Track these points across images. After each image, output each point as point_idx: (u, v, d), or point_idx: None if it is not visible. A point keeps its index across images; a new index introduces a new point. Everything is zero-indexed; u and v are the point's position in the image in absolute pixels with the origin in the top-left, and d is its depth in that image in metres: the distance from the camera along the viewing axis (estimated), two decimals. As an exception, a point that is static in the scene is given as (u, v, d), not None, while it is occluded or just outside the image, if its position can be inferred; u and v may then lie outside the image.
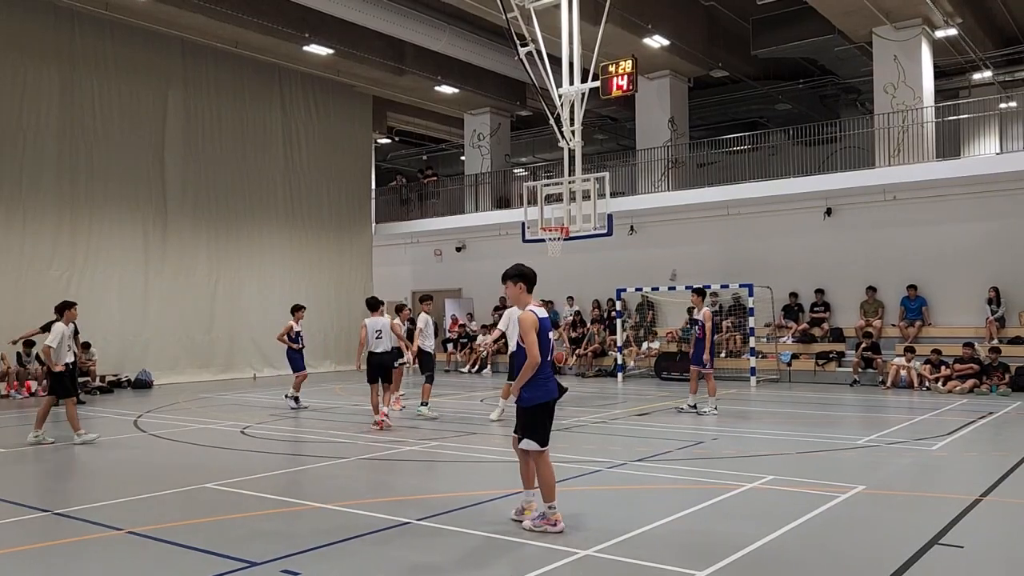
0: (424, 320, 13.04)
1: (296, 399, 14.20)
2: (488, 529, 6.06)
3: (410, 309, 15.32)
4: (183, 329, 20.58)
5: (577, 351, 21.53)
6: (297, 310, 14.82)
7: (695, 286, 14.55)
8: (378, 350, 11.97)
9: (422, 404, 12.87)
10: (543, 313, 6.16)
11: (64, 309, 10.80)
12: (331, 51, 21.30)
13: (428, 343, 13.03)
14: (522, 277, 6.22)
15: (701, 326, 13.03)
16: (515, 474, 7.73)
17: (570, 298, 23.11)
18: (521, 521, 6.14)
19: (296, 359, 14.54)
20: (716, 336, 20.27)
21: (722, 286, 19.96)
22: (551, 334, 6.21)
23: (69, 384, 10.68)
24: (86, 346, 17.34)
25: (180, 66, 20.72)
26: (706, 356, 12.93)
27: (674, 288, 20.56)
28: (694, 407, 13.03)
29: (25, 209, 17.87)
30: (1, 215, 17.52)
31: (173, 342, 20.32)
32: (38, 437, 10.63)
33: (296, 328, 14.52)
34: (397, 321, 12.99)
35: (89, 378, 17.50)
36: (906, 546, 5.53)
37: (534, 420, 6.07)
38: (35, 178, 18.05)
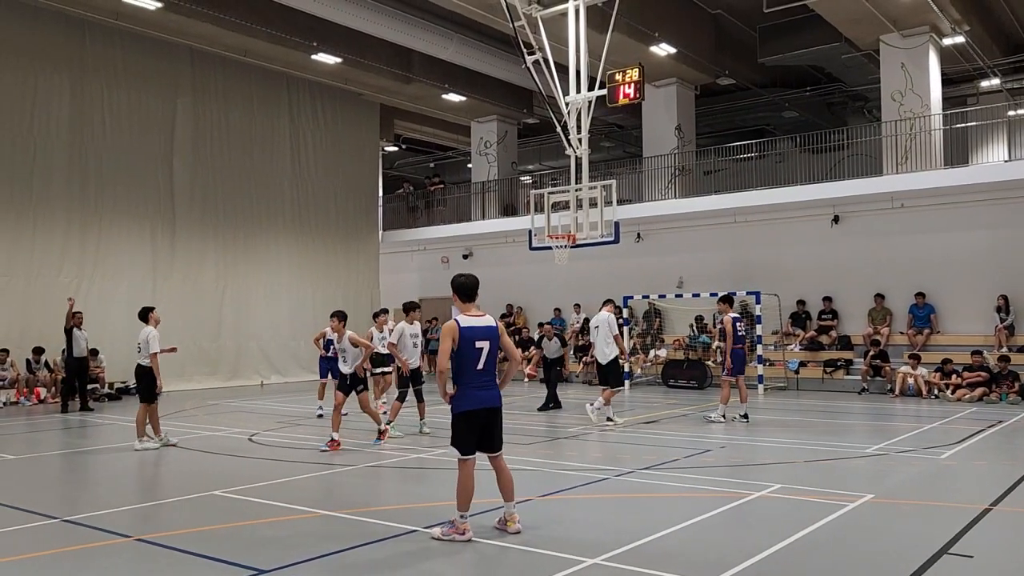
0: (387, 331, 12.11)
1: (325, 408, 14.16)
2: (496, 537, 6.06)
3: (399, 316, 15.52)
4: (191, 336, 20.60)
5: (584, 359, 21.50)
6: (332, 317, 14.71)
7: (721, 294, 14.56)
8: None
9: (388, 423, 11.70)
10: (468, 322, 6.13)
11: (147, 313, 11.33)
12: (339, 60, 21.39)
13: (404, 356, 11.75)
14: (454, 287, 6.37)
15: (723, 332, 13.08)
16: (521, 483, 7.74)
17: (577, 305, 23.10)
18: (505, 530, 6.15)
19: (321, 365, 14.49)
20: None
21: (729, 294, 19.90)
22: (479, 343, 6.11)
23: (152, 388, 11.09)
24: (94, 353, 17.40)
25: (189, 74, 20.85)
26: (728, 363, 13.02)
27: (681, 295, 20.54)
28: (745, 416, 12.90)
29: (35, 216, 18.00)
30: (12, 222, 17.66)
31: (181, 349, 20.21)
32: (163, 440, 10.99)
33: (331, 335, 14.45)
34: (352, 333, 11.71)
35: (98, 385, 17.57)
36: (915, 556, 5.51)
37: (456, 428, 6.16)
38: (45, 185, 18.18)
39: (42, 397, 17.16)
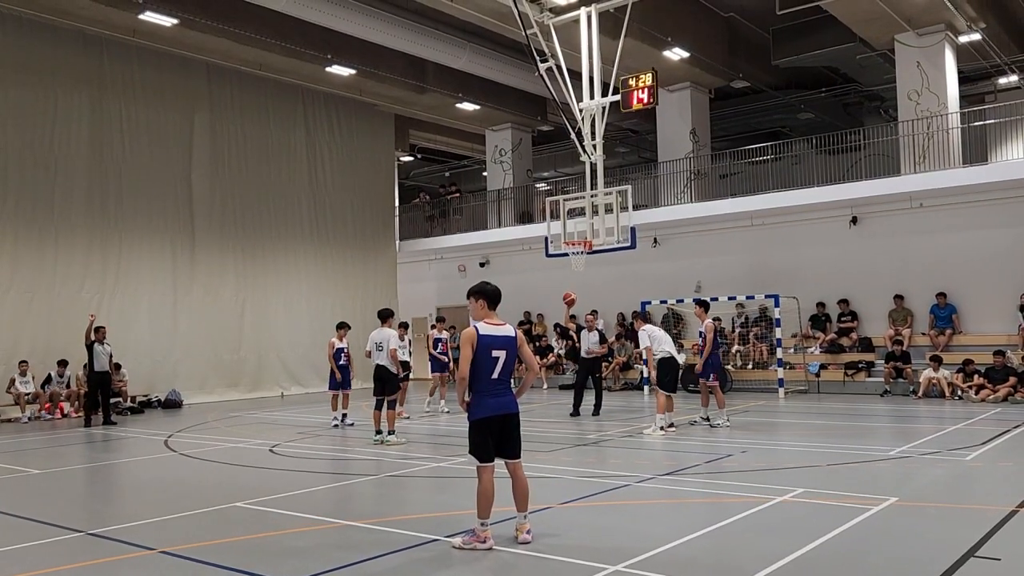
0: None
1: (339, 418, 14.30)
2: (515, 545, 6.05)
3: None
4: (211, 348, 20.80)
5: (603, 364, 21.41)
6: (339, 328, 14.90)
7: (699, 298, 14.69)
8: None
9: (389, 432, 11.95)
10: (487, 330, 6.16)
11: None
12: (353, 71, 21.54)
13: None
14: (482, 294, 6.35)
15: (703, 337, 13.16)
16: (542, 490, 7.74)
17: (594, 312, 23.02)
18: (516, 538, 6.13)
19: (331, 378, 14.61)
20: (744, 347, 20.26)
21: (748, 297, 19.82)
22: (496, 352, 6.13)
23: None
24: (117, 367, 17.58)
25: (206, 89, 21.07)
26: (704, 365, 13.10)
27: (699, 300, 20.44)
28: (707, 419, 13.03)
29: (57, 232, 18.23)
30: (35, 238, 17.89)
31: (202, 362, 20.55)
32: None
33: (339, 345, 14.58)
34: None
35: (120, 399, 17.72)
36: (942, 559, 5.44)
37: (472, 435, 6.18)
38: (66, 202, 18.41)
39: (65, 412, 17.34)
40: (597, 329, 15.25)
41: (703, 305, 13.53)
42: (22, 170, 17.75)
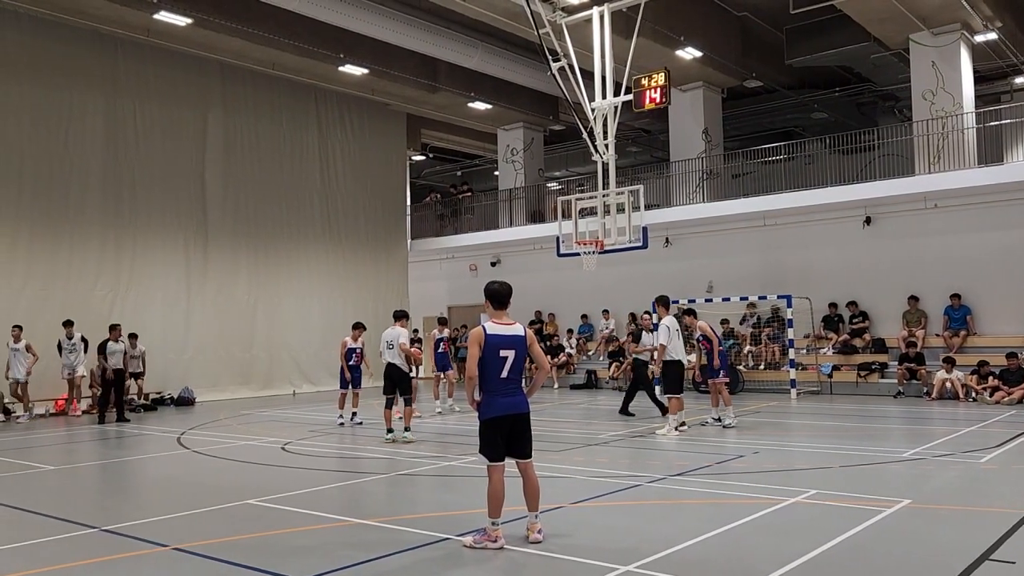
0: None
1: (345, 416, 14.38)
2: (526, 545, 6.05)
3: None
4: (224, 346, 20.90)
5: (615, 364, 21.42)
6: (354, 328, 14.94)
7: (688, 308, 14.78)
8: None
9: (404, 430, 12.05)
10: (494, 330, 6.16)
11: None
12: (366, 71, 21.58)
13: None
14: (486, 294, 6.40)
15: (704, 340, 13.30)
16: (553, 490, 7.74)
17: (605, 311, 23.04)
18: (527, 538, 6.13)
19: (340, 376, 14.68)
20: (756, 347, 20.18)
21: (760, 297, 19.75)
22: (504, 352, 6.13)
23: None
24: (133, 337, 17.68)
25: (219, 89, 21.17)
26: (716, 362, 13.25)
27: (711, 300, 20.37)
28: (718, 419, 13.06)
29: (72, 229, 18.35)
30: (50, 237, 18.01)
31: (214, 359, 20.65)
32: None
33: (351, 345, 14.61)
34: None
35: (134, 396, 17.81)
36: (956, 562, 5.41)
37: (483, 435, 6.19)
38: (81, 200, 18.54)
39: (82, 409, 17.39)
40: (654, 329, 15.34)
41: (692, 313, 13.86)
42: (37, 168, 17.88)
